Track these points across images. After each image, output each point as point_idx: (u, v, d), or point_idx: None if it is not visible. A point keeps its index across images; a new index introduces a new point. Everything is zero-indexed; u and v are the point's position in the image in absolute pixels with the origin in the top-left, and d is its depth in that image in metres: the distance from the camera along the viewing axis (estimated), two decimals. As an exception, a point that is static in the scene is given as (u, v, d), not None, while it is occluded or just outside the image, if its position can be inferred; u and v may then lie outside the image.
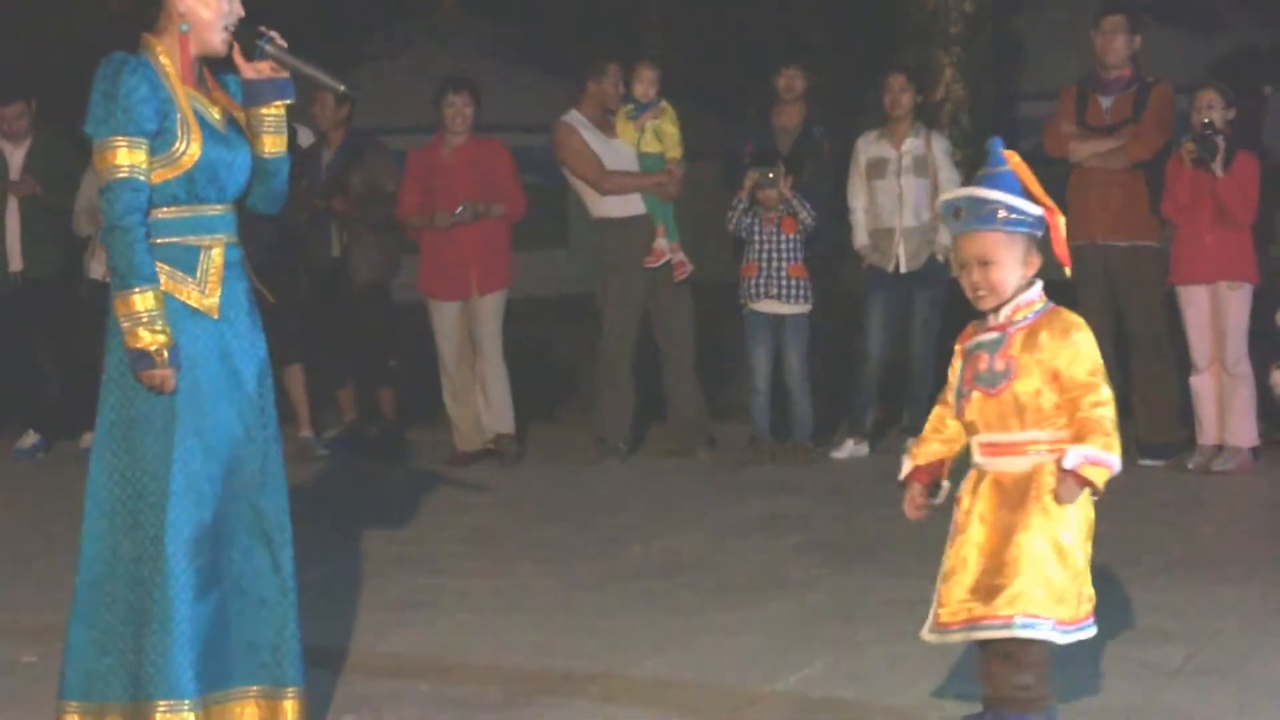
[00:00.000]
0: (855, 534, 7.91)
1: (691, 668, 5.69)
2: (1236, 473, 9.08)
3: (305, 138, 10.56)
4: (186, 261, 4.65)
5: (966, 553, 4.54)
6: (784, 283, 9.94)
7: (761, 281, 9.95)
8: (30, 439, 11.03)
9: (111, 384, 4.65)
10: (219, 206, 4.71)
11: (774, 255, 9.93)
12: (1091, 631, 4.55)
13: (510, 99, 14.89)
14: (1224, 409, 9.24)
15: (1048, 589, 4.44)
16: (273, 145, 4.81)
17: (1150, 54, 10.04)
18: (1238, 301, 9.21)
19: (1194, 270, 9.24)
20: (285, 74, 4.76)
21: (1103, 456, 4.41)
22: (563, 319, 13.91)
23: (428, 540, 8.00)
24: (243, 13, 4.73)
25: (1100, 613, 4.62)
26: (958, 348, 4.69)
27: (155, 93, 4.60)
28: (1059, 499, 4.44)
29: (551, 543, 7.93)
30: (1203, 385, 9.26)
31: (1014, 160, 4.61)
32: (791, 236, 9.92)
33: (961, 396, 4.61)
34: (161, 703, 4.56)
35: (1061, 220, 4.63)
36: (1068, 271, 4.66)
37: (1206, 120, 9.06)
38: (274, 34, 4.74)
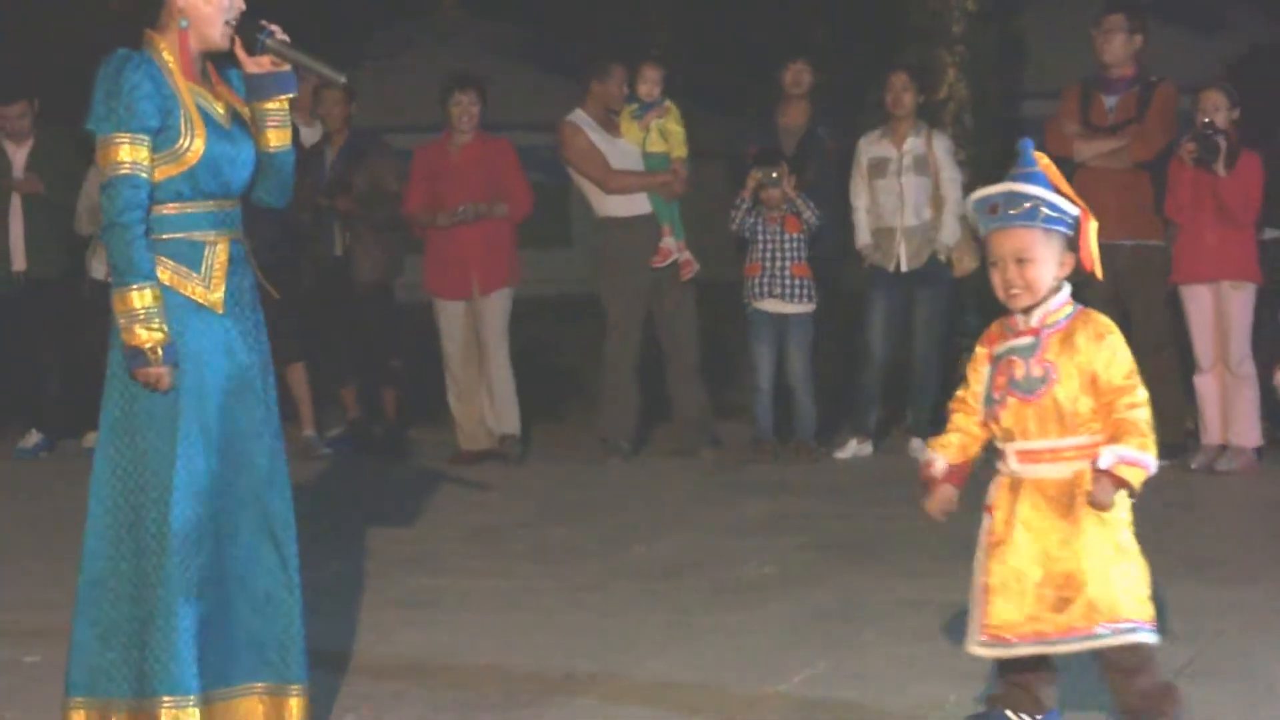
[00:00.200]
0: (858, 534, 7.91)
1: (694, 668, 5.68)
2: (1240, 473, 9.08)
3: (309, 136, 10.56)
4: (191, 257, 4.65)
5: (1017, 564, 4.46)
6: (787, 282, 9.94)
7: (765, 281, 9.95)
8: (33, 438, 11.04)
9: (115, 380, 4.65)
10: (224, 202, 4.71)
11: (777, 254, 9.92)
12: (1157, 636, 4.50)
13: (512, 98, 14.88)
14: (1228, 409, 9.23)
15: (1122, 590, 4.40)
16: (277, 139, 4.81)
17: (1154, 53, 10.03)
18: (1241, 301, 9.21)
19: (1197, 269, 9.24)
20: (287, 67, 4.76)
21: (1138, 456, 4.38)
22: (566, 318, 13.91)
23: (430, 540, 8.00)
24: (244, 7, 4.73)
25: (1104, 612, 4.61)
26: (982, 351, 4.63)
27: (158, 89, 4.60)
28: (1094, 501, 4.39)
29: (554, 542, 7.92)
30: (1206, 385, 9.25)
31: (1044, 162, 4.57)
32: (795, 236, 9.92)
33: (994, 403, 4.53)
34: (166, 698, 4.56)
35: (1094, 225, 4.56)
36: (1098, 274, 4.61)
37: (1206, 120, 9.06)
38: (275, 28, 4.74)
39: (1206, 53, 14.87)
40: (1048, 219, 4.48)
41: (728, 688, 5.45)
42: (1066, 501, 4.45)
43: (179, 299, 4.62)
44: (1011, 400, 4.50)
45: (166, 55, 4.67)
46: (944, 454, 4.67)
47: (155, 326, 4.54)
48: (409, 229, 10.49)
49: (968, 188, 10.04)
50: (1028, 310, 4.53)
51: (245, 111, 4.79)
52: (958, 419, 4.67)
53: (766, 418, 10.09)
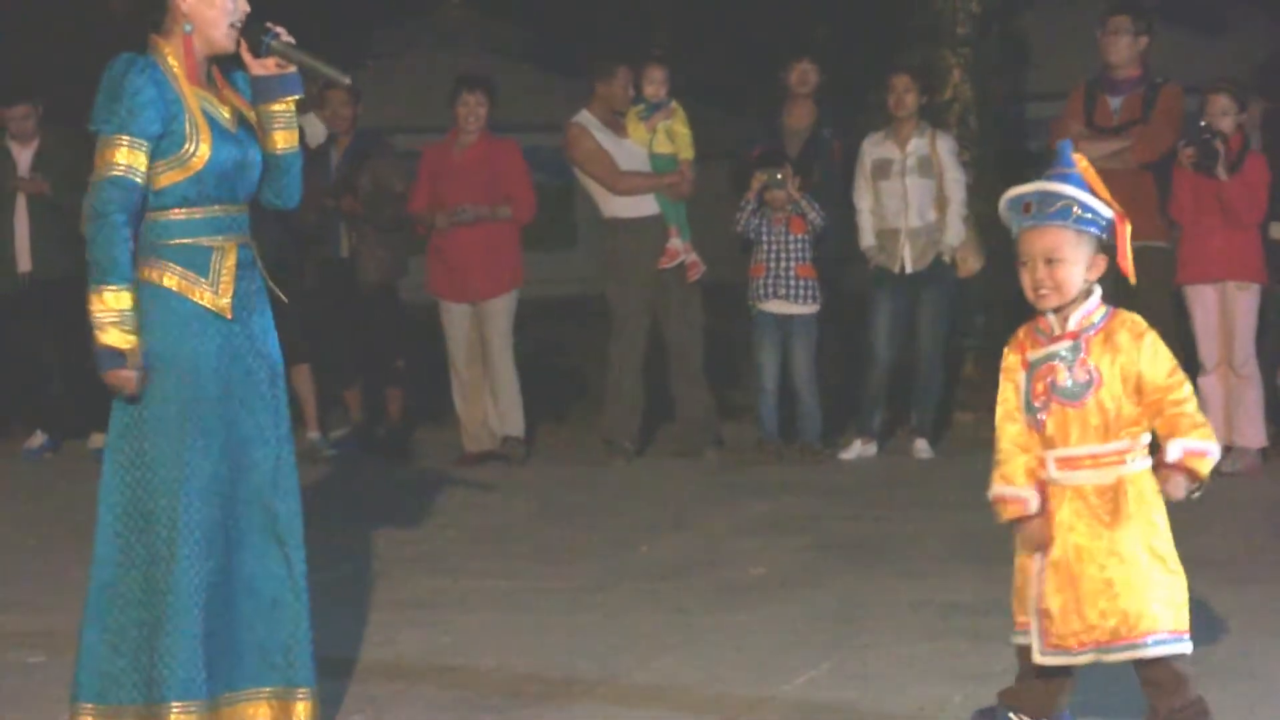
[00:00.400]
0: (862, 535, 7.91)
1: (697, 669, 5.68)
2: (1244, 474, 9.07)
3: (313, 138, 10.56)
4: (199, 262, 4.65)
5: (1064, 573, 4.41)
6: (792, 283, 9.93)
7: (770, 282, 9.95)
8: (38, 439, 11.04)
9: (123, 386, 4.65)
10: (231, 207, 4.72)
11: (782, 255, 9.92)
12: (1191, 645, 4.47)
13: (516, 98, 14.88)
14: (1232, 410, 9.23)
15: (1162, 601, 4.39)
16: (285, 141, 4.81)
17: (1159, 54, 10.02)
18: (1245, 302, 9.21)
19: (1202, 270, 9.23)
20: (292, 69, 4.76)
21: (1202, 445, 4.37)
22: (570, 319, 13.91)
23: (433, 541, 8.00)
24: (248, 9, 4.73)
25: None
26: (1015, 358, 4.53)
27: (161, 94, 4.60)
28: (1169, 495, 4.38)
29: (558, 543, 7.93)
30: (1210, 386, 9.24)
31: (1082, 164, 4.50)
32: (800, 237, 9.91)
33: (1036, 410, 4.45)
34: (175, 704, 4.57)
35: (1129, 228, 4.50)
36: (1132, 279, 4.59)
37: (1203, 124, 9.05)
38: (280, 30, 4.74)
39: (1212, 54, 14.87)
40: (1080, 219, 4.41)
41: (730, 688, 5.45)
42: (1110, 508, 4.41)
43: (187, 304, 4.63)
44: (1055, 406, 4.44)
45: (171, 60, 4.68)
46: (1023, 487, 4.47)
47: (130, 330, 4.54)
48: (413, 229, 10.50)
49: (972, 189, 10.07)
50: (1059, 312, 4.46)
51: (251, 115, 4.79)
52: (1013, 436, 4.51)
53: (771, 419, 10.09)
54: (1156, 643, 4.39)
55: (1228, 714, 4.98)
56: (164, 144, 4.61)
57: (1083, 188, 4.45)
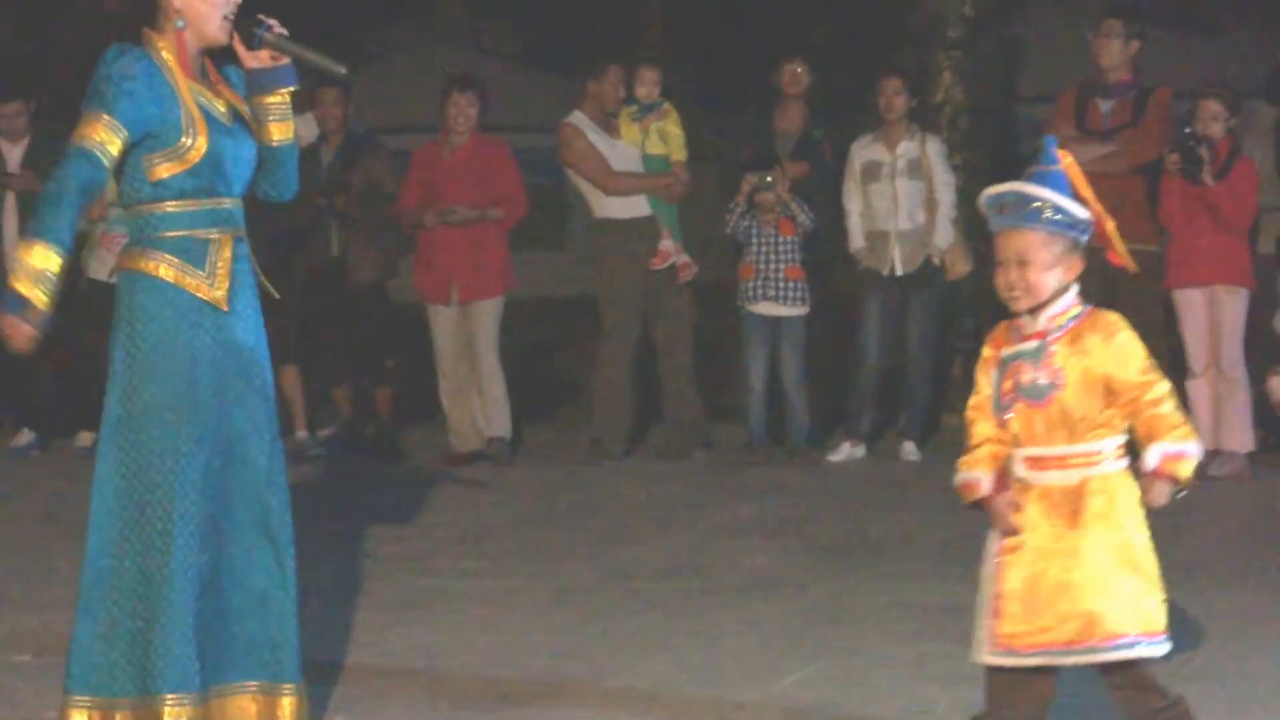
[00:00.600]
0: (851, 537, 7.91)
1: (685, 671, 5.69)
2: (1232, 478, 9.07)
3: (304, 137, 10.55)
4: (196, 254, 4.66)
5: (1028, 572, 4.36)
6: (781, 285, 9.94)
7: (759, 283, 9.95)
8: (25, 437, 11.01)
9: (118, 379, 4.66)
10: (226, 200, 4.73)
11: (771, 257, 9.93)
12: (1166, 648, 4.39)
13: (508, 98, 14.85)
14: (1220, 414, 9.24)
15: (1126, 604, 4.31)
16: (280, 133, 4.82)
17: (1151, 58, 10.03)
18: (1234, 306, 9.22)
19: (1190, 275, 9.25)
20: (286, 61, 4.77)
21: (1179, 448, 4.29)
22: (560, 320, 13.89)
23: (421, 540, 7.99)
24: (240, 0, 4.74)
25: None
26: (990, 353, 4.51)
27: (154, 86, 4.61)
28: (1151, 504, 4.31)
29: (546, 544, 7.92)
30: (1198, 390, 9.26)
31: (1066, 161, 4.43)
32: (789, 238, 9.92)
33: (1003, 408, 4.42)
34: (169, 696, 4.57)
35: (1113, 226, 4.45)
36: (1131, 268, 4.54)
37: (1188, 130, 9.07)
38: (272, 22, 4.75)
39: (1204, 58, 14.88)
40: (1052, 222, 4.35)
41: (717, 690, 5.45)
42: (1071, 509, 4.35)
43: (182, 296, 4.64)
44: (1019, 406, 4.39)
45: (166, 54, 4.69)
46: (980, 469, 4.46)
47: (46, 293, 4.56)
48: (403, 228, 10.49)
49: (962, 192, 10.07)
50: (1033, 312, 4.41)
51: (245, 110, 4.80)
52: (980, 427, 4.49)
53: (759, 420, 10.09)
54: (1121, 646, 4.33)
55: (1216, 717, 4.99)
56: (160, 137, 4.62)
57: (1063, 186, 4.40)
